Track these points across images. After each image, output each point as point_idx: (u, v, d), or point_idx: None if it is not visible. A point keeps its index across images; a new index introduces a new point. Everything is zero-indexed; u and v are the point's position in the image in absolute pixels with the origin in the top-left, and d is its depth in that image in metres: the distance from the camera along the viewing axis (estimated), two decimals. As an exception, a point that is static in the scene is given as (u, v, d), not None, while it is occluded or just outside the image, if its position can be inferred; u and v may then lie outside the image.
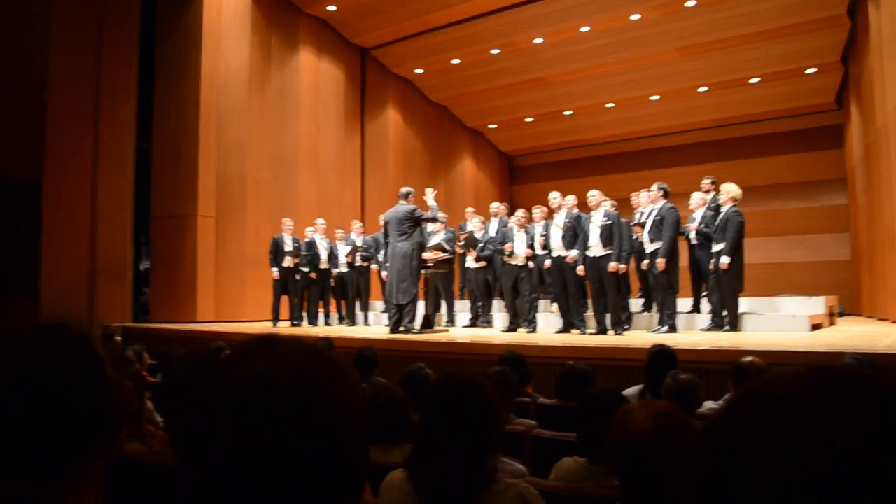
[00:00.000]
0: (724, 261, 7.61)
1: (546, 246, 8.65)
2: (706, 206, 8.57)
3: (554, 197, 8.58)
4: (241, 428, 0.69)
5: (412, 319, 8.60)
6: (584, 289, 8.45)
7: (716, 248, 7.93)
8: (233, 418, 0.70)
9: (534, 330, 8.68)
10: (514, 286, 8.91)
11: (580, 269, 8.07)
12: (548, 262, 8.59)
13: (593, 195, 8.16)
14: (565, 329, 8.40)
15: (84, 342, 1.07)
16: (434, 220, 8.94)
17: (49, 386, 1.00)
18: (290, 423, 0.70)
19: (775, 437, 0.49)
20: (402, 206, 8.68)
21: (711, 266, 8.09)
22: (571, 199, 8.70)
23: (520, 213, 9.13)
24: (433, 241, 10.14)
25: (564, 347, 6.35)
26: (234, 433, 0.69)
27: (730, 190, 7.92)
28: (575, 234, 8.21)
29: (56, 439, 0.99)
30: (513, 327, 8.97)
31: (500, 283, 9.88)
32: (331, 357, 0.79)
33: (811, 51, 13.06)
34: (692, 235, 8.53)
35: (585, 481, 2.40)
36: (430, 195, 8.95)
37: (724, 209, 7.92)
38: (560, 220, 8.39)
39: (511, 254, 8.90)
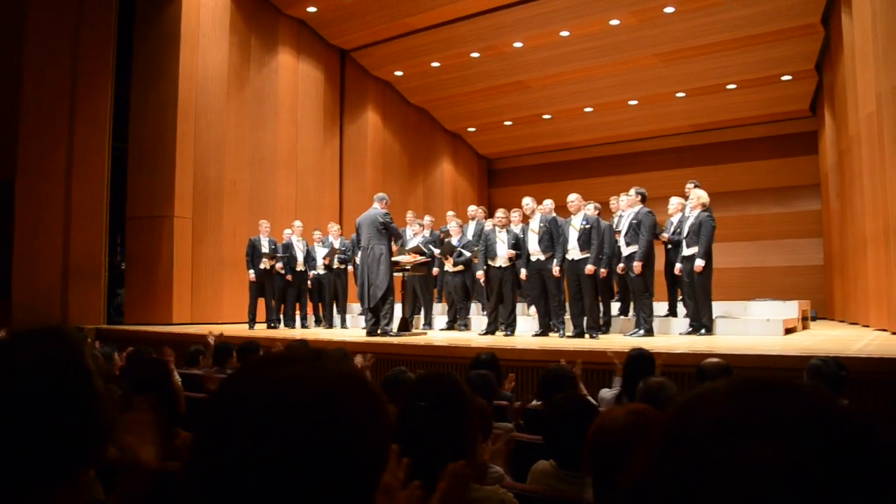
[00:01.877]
0: (699, 264, 7.70)
1: (517, 247, 8.67)
2: (684, 210, 8.67)
3: (527, 203, 8.59)
4: (266, 428, 0.70)
5: (389, 322, 8.59)
6: (564, 292, 8.50)
7: (687, 251, 8.02)
8: (259, 418, 0.70)
9: (511, 333, 8.69)
10: (500, 289, 8.86)
11: (556, 271, 8.11)
12: (524, 273, 8.60)
13: (573, 199, 8.19)
14: (543, 332, 8.43)
15: (74, 354, 1.06)
16: (398, 237, 8.99)
17: (37, 400, 0.99)
18: (315, 431, 0.70)
19: (723, 462, 0.49)
20: (376, 210, 8.70)
21: (678, 270, 8.20)
22: (549, 203, 8.73)
23: (500, 213, 9.06)
24: (412, 243, 10.14)
25: (542, 351, 6.38)
26: (256, 434, 0.70)
27: (699, 195, 8.09)
28: (552, 237, 8.25)
29: (42, 451, 0.98)
30: (491, 330, 8.96)
31: (477, 285, 9.90)
32: (362, 376, 0.80)
33: (786, 58, 13.25)
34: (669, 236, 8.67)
35: (556, 483, 2.41)
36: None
37: (692, 214, 8.05)
38: (535, 224, 8.42)
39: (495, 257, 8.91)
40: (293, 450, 0.69)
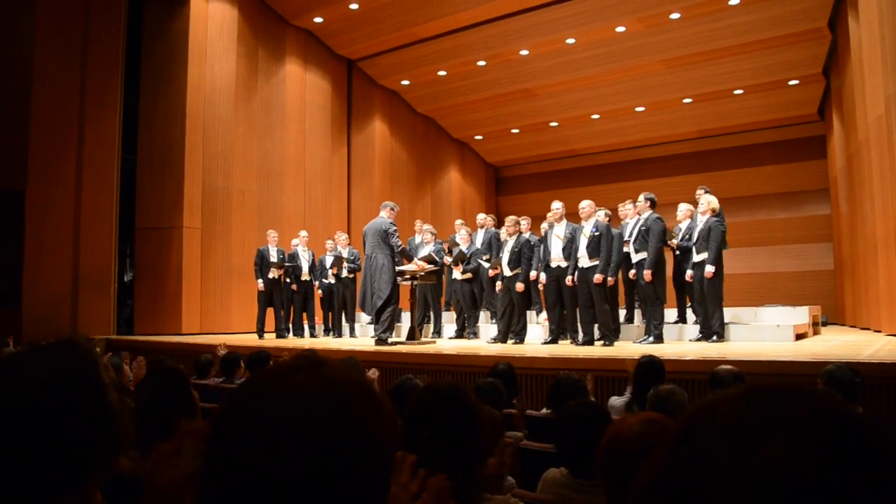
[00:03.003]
0: (710, 269, 7.66)
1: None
2: (693, 216, 8.64)
3: (556, 207, 8.42)
4: (275, 439, 0.70)
5: (387, 330, 8.57)
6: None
7: (697, 257, 7.98)
8: (267, 429, 0.71)
9: (521, 341, 8.65)
10: (510, 297, 8.80)
11: (569, 281, 8.06)
12: (543, 277, 8.56)
13: (584, 206, 8.14)
14: (553, 340, 8.39)
15: (89, 367, 1.06)
16: (403, 255, 8.91)
17: (52, 412, 0.99)
18: (324, 440, 0.70)
19: (731, 463, 0.49)
20: (382, 219, 8.72)
21: (689, 277, 8.14)
22: (559, 207, 8.67)
23: (508, 221, 9.05)
24: (422, 251, 10.16)
25: (552, 358, 6.35)
26: (266, 444, 0.70)
27: (709, 200, 8.04)
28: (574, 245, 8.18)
29: (55, 463, 0.98)
30: (500, 338, 8.90)
31: (485, 293, 9.88)
32: (366, 382, 0.80)
33: (793, 63, 13.21)
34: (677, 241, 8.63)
35: (567, 491, 2.39)
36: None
37: (702, 219, 8.01)
38: (561, 230, 8.34)
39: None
40: (301, 459, 0.69)
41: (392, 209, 8.89)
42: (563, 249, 8.22)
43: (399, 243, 8.76)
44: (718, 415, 0.53)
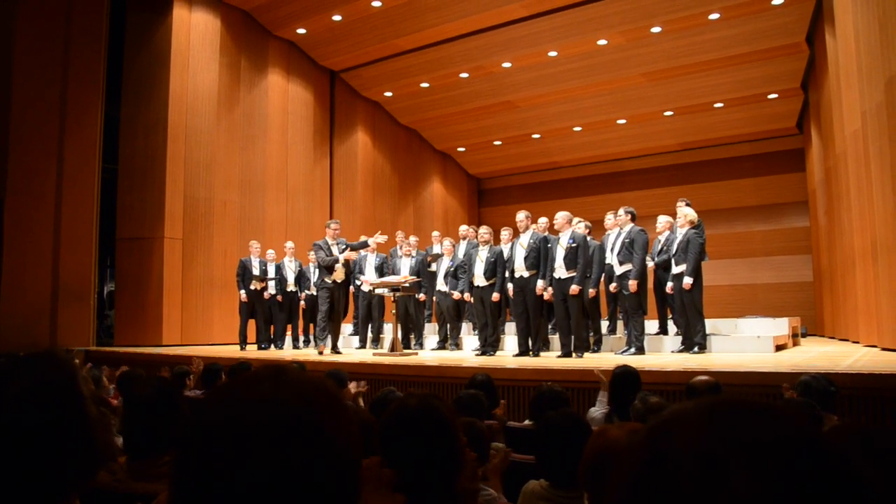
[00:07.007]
0: (688, 281, 7.71)
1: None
2: (672, 228, 8.71)
3: (520, 218, 8.44)
4: (244, 447, 0.70)
5: (318, 343, 9.44)
6: (546, 311, 8.43)
7: (676, 269, 8.03)
8: (235, 438, 0.71)
9: (493, 353, 8.54)
10: (482, 309, 8.80)
11: (544, 289, 8.04)
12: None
13: (559, 217, 8.15)
14: (523, 352, 8.24)
15: (68, 380, 1.06)
16: (329, 270, 9.32)
17: (31, 428, 0.98)
18: (291, 446, 0.71)
19: (701, 493, 0.50)
20: None
21: (669, 289, 8.18)
22: (543, 222, 8.68)
23: (484, 230, 9.02)
24: (403, 264, 10.20)
25: (534, 370, 6.36)
26: (235, 452, 0.70)
27: (686, 213, 8.13)
28: (538, 255, 8.18)
29: (34, 479, 0.97)
30: (484, 350, 8.83)
31: (469, 305, 9.87)
32: (331, 389, 0.80)
33: (772, 77, 13.38)
34: (655, 260, 8.68)
35: (547, 503, 2.39)
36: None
37: (681, 232, 8.07)
38: (525, 240, 8.35)
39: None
40: (267, 465, 0.69)
41: (335, 229, 9.41)
42: (526, 259, 8.19)
43: (320, 258, 9.33)
44: (685, 437, 0.53)
